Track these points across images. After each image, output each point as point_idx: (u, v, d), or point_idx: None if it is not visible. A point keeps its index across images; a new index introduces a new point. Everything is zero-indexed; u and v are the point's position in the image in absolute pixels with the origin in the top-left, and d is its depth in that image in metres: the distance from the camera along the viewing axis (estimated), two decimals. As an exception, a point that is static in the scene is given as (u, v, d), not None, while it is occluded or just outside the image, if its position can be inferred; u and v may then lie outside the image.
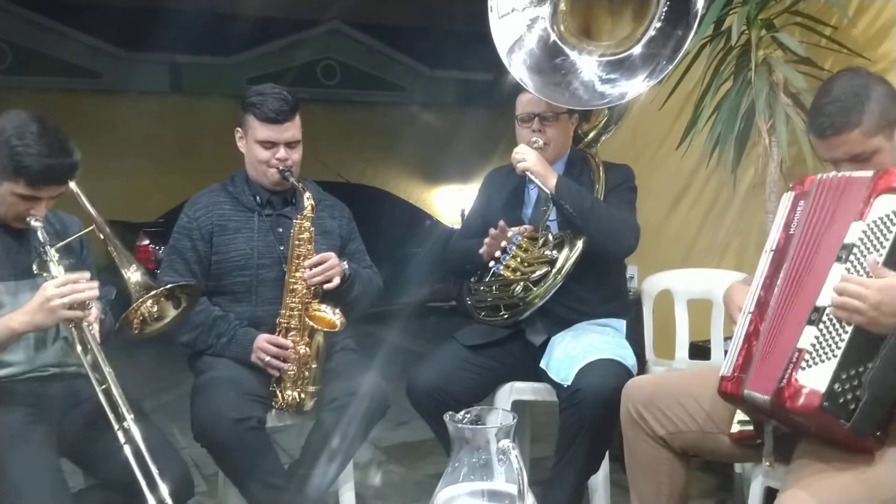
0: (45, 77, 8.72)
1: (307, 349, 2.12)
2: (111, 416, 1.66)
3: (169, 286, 1.83)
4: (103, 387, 1.69)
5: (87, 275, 1.73)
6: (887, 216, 1.41)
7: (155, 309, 1.83)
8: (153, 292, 1.78)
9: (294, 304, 2.13)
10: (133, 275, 1.78)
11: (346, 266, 2.20)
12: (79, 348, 1.71)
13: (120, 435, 1.65)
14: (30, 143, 1.68)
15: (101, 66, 9.25)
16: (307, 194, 2.15)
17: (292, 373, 2.11)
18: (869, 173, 1.47)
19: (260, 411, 2.06)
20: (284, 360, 2.10)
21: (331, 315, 2.14)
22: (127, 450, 1.63)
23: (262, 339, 2.12)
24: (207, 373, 2.11)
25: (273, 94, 2.15)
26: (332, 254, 2.17)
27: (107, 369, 1.70)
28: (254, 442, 2.02)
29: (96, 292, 1.70)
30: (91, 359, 1.71)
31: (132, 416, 1.67)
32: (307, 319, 2.12)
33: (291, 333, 2.13)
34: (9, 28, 8.58)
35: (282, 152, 2.17)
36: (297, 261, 2.13)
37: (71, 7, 8.54)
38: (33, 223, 1.76)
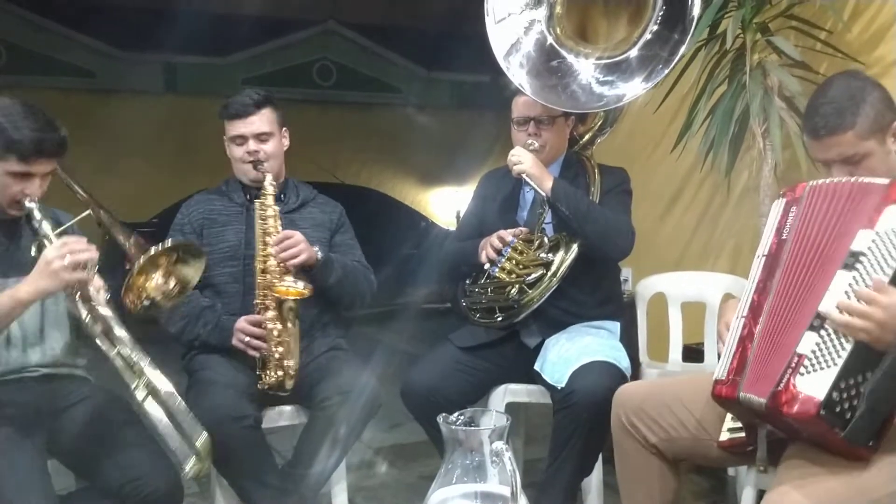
0: (41, 76, 8.69)
1: (281, 324, 2.12)
2: (127, 377, 1.69)
3: (170, 242, 1.83)
4: (115, 350, 1.71)
5: (84, 239, 1.74)
6: None
7: (159, 278, 1.83)
8: (150, 252, 1.78)
9: (266, 283, 2.15)
10: (131, 241, 1.80)
11: (318, 250, 2.21)
12: (86, 317, 1.72)
13: (139, 393, 1.67)
14: (17, 119, 1.71)
15: (97, 65, 9.22)
16: (269, 176, 2.19)
17: (276, 353, 2.12)
18: (882, 181, 1.46)
19: (256, 410, 2.07)
20: (264, 340, 2.12)
21: (294, 286, 2.14)
22: (149, 406, 1.67)
23: (242, 321, 2.15)
24: (202, 372, 2.12)
25: (240, 94, 2.26)
26: (296, 232, 2.18)
27: (120, 330, 1.71)
28: (250, 441, 2.02)
29: (95, 253, 1.70)
30: (102, 327, 1.72)
31: (149, 364, 1.69)
32: (275, 294, 2.13)
33: (269, 313, 2.14)
34: (4, 27, 8.56)
35: (250, 145, 2.23)
36: (265, 239, 2.16)
37: (66, 7, 8.52)
38: (27, 204, 1.77)
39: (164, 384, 1.69)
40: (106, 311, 1.73)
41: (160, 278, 1.82)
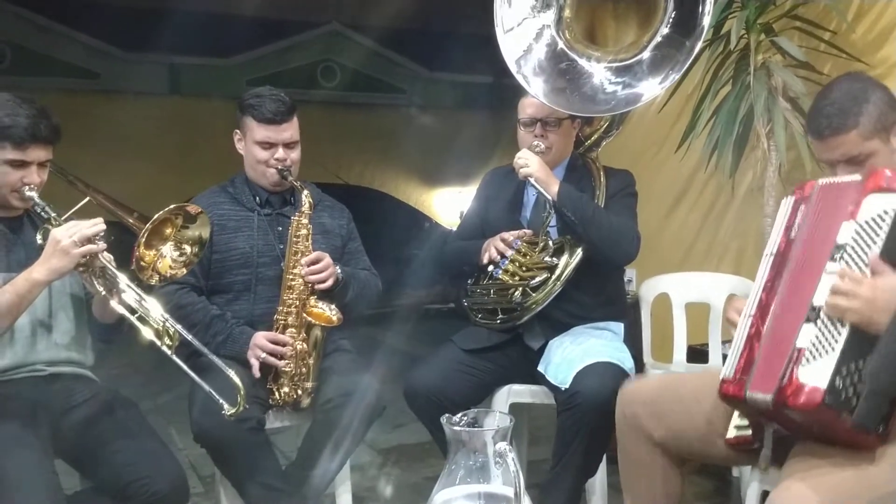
0: (44, 77, 8.70)
1: (304, 345, 2.13)
2: (152, 336, 1.76)
3: (170, 209, 1.86)
4: (136, 315, 1.76)
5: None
6: (878, 215, 1.42)
7: (173, 251, 1.87)
8: (154, 218, 1.81)
9: (291, 301, 2.14)
10: (134, 216, 1.84)
11: (339, 270, 2.21)
12: (100, 289, 1.75)
13: (165, 349, 1.76)
14: (9, 108, 1.75)
15: (100, 66, 9.24)
16: (305, 192, 2.18)
17: (289, 369, 2.12)
18: (858, 176, 1.49)
19: (259, 412, 2.06)
20: (282, 357, 2.11)
21: (328, 311, 2.15)
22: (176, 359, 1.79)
23: (260, 337, 2.13)
24: (205, 373, 2.10)
25: (270, 96, 2.19)
26: (326, 254, 2.18)
27: (135, 291, 1.76)
28: (254, 442, 2.02)
29: (103, 226, 1.72)
30: (121, 298, 1.76)
31: (168, 321, 1.76)
32: (305, 315, 2.13)
33: (289, 330, 2.14)
34: (8, 28, 8.58)
35: (280, 152, 2.20)
36: (294, 258, 2.15)
37: (70, 7, 8.54)
38: (27, 193, 1.79)
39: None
40: (118, 274, 1.76)
41: (173, 251, 1.85)
